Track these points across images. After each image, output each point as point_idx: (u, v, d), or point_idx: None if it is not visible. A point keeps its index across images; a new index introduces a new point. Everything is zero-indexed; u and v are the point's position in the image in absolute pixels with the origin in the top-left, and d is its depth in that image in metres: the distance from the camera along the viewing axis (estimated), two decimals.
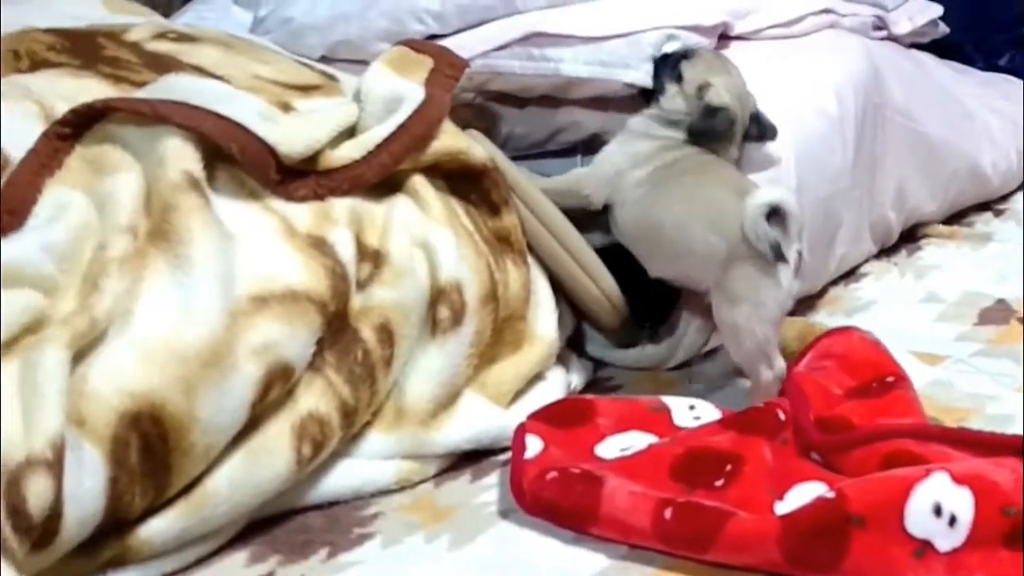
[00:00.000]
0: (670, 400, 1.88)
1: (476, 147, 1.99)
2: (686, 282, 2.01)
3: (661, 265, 2.03)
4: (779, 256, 1.85)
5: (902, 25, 2.79)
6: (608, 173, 2.07)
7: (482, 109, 2.33)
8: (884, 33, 2.74)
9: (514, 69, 2.31)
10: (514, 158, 2.15)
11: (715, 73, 2.09)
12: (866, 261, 2.52)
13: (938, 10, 2.93)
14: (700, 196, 1.96)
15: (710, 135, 2.05)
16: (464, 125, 2.08)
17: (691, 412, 1.84)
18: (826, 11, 2.57)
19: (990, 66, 3.23)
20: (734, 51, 2.38)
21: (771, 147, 2.15)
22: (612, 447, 1.76)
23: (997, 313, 2.29)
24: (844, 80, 2.39)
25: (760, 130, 2.10)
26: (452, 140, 1.96)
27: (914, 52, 2.84)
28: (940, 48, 2.99)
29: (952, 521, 1.51)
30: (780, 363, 1.92)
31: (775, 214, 1.84)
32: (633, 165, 2.05)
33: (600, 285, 2.06)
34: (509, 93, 2.33)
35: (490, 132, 2.21)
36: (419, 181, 1.93)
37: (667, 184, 2.01)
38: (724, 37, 2.39)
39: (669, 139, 2.05)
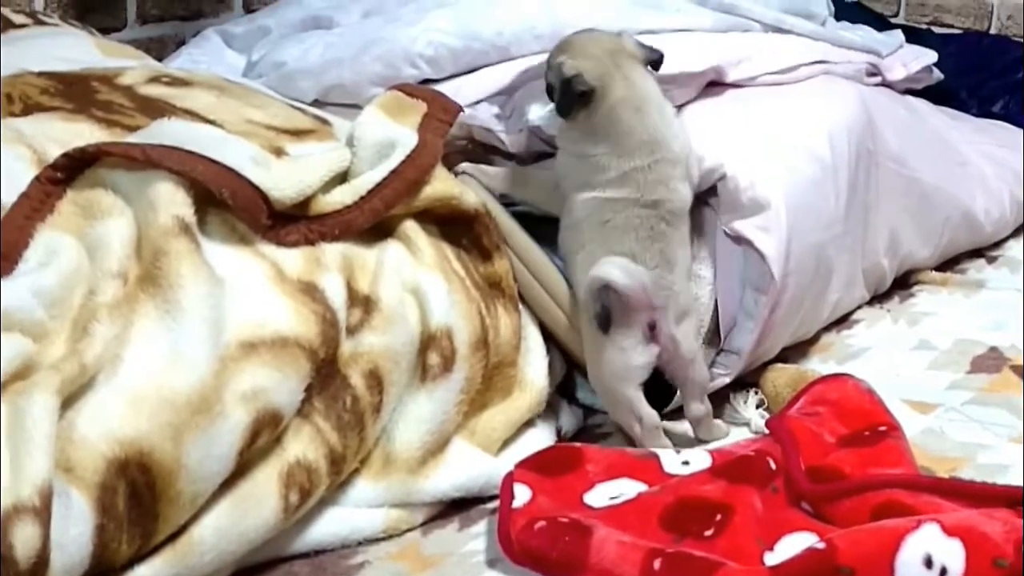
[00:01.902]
0: (658, 449, 1.87)
1: (468, 192, 1.99)
2: None
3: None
4: (603, 327, 1.94)
5: (896, 71, 2.79)
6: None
7: (475, 156, 2.32)
8: (878, 79, 2.74)
9: (492, 125, 2.32)
10: (507, 204, 2.15)
11: (563, 52, 2.11)
12: (859, 307, 2.51)
13: (932, 56, 2.93)
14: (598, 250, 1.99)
15: (571, 104, 2.05)
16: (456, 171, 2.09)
17: (679, 457, 1.84)
18: (820, 60, 2.58)
19: (984, 112, 3.22)
20: (728, 97, 2.39)
21: (762, 193, 2.15)
22: (601, 495, 1.76)
23: (990, 361, 2.28)
24: (837, 126, 2.39)
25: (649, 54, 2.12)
26: (444, 185, 1.96)
27: (908, 98, 2.83)
28: (934, 94, 2.98)
29: (943, 573, 1.51)
30: (648, 415, 1.97)
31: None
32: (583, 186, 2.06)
33: None
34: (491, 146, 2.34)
35: None
36: (411, 226, 1.93)
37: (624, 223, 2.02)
38: (718, 84, 2.39)
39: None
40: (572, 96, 2.04)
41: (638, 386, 1.98)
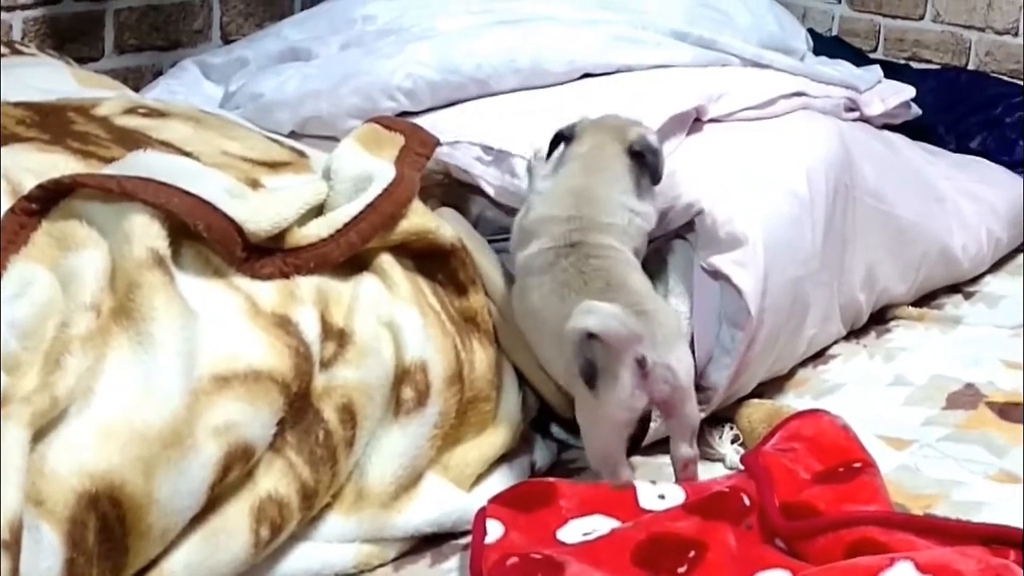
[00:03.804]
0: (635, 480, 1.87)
1: (445, 227, 1.99)
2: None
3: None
4: (590, 382, 1.83)
5: (874, 106, 2.80)
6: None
7: (452, 190, 2.32)
8: (856, 114, 2.75)
9: (472, 168, 2.30)
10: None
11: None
12: (835, 343, 2.51)
13: (910, 92, 2.94)
14: (565, 305, 1.91)
15: (553, 143, 2.13)
16: (434, 205, 2.09)
17: (655, 490, 1.83)
18: (798, 94, 2.58)
19: (962, 148, 3.23)
20: (706, 132, 2.39)
21: (740, 228, 2.15)
22: (574, 531, 1.75)
23: (966, 397, 2.28)
24: (815, 162, 2.39)
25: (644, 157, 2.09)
26: (421, 219, 1.96)
27: (886, 133, 2.84)
28: (912, 130, 2.99)
29: None
30: (625, 476, 1.91)
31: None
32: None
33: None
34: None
35: (460, 213, 2.20)
36: (387, 260, 1.92)
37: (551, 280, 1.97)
38: (697, 120, 2.39)
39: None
40: (556, 136, 2.12)
41: (624, 441, 1.91)
